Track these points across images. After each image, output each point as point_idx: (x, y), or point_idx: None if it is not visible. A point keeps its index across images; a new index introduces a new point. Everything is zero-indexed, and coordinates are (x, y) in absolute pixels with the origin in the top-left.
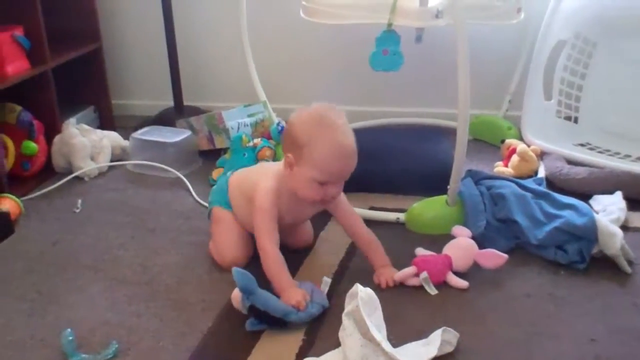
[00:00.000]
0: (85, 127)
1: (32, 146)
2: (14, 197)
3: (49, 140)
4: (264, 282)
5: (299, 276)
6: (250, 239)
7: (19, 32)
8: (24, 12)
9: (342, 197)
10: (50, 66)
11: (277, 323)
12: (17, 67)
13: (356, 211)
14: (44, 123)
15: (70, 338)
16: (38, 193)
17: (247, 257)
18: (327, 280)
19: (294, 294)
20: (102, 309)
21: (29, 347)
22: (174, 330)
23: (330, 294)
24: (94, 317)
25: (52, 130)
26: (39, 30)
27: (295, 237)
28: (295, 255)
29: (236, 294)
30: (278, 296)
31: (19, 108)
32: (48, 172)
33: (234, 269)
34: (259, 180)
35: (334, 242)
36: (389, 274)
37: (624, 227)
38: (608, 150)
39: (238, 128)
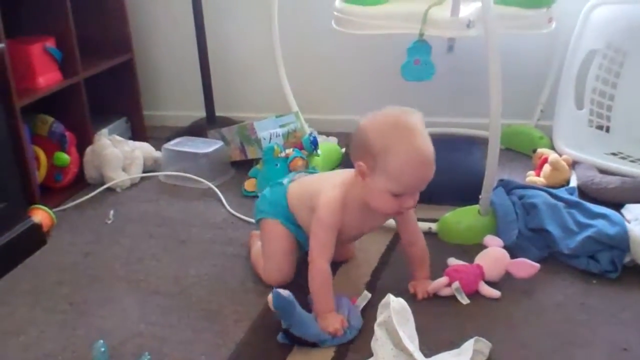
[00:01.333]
0: (118, 138)
1: (64, 157)
2: (46, 208)
3: (81, 152)
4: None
5: (333, 286)
6: (298, 252)
7: (50, 44)
8: (55, 24)
9: (414, 216)
10: (82, 77)
11: (309, 345)
12: (49, 78)
13: (388, 222)
14: (76, 134)
15: (103, 349)
16: (70, 204)
17: (293, 275)
18: (366, 295)
19: (332, 321)
20: (135, 320)
21: (61, 359)
22: (206, 341)
23: (363, 305)
24: (126, 328)
25: (84, 141)
26: (70, 42)
27: (339, 253)
28: (331, 264)
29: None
30: (312, 311)
31: (51, 119)
32: (80, 183)
33: (274, 291)
34: (323, 189)
35: (367, 251)
36: (425, 285)
37: None
38: None
39: (270, 138)
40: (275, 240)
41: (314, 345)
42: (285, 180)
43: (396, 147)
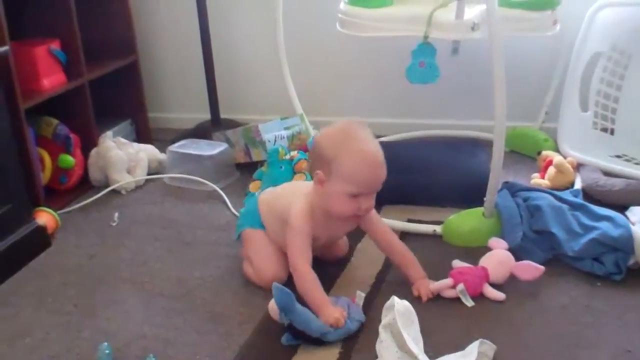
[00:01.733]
0: (122, 140)
1: (68, 160)
2: (50, 210)
3: (86, 154)
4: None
5: (336, 289)
6: (286, 256)
7: (55, 46)
8: (60, 26)
9: (374, 213)
10: (87, 79)
11: (314, 342)
12: (54, 80)
13: (393, 223)
14: (80, 136)
15: (107, 351)
16: (75, 206)
17: (286, 273)
18: (361, 295)
19: (332, 312)
20: (139, 323)
21: None
22: (211, 343)
23: (366, 307)
24: (130, 330)
25: (88, 143)
26: (75, 44)
27: (329, 251)
28: (332, 269)
29: (273, 305)
30: (315, 313)
31: (55, 122)
32: (85, 185)
33: (274, 285)
34: (291, 202)
35: (371, 254)
36: (426, 286)
37: None
38: None
39: (275, 141)
40: (258, 244)
41: (318, 342)
42: (257, 192)
43: (347, 150)
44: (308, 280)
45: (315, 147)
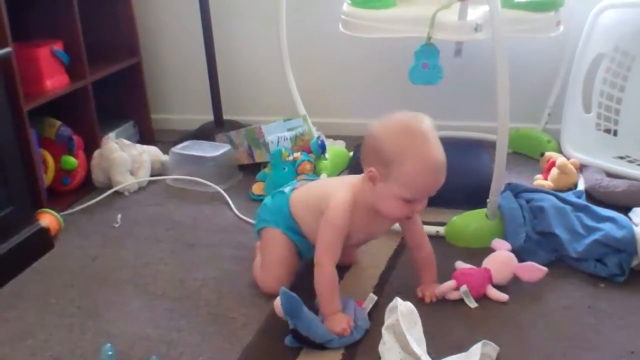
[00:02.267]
0: (125, 141)
1: (71, 161)
2: (53, 212)
3: (89, 155)
4: (307, 297)
5: (340, 290)
6: (295, 266)
7: (58, 47)
8: (63, 27)
9: (419, 219)
10: (90, 81)
11: (317, 347)
12: (57, 82)
13: (395, 225)
14: (83, 138)
15: (110, 353)
16: (78, 208)
17: (290, 281)
18: (372, 297)
19: (339, 322)
20: (142, 324)
21: None
22: (214, 345)
23: (370, 308)
24: (133, 332)
25: (91, 145)
26: (78, 45)
27: (343, 254)
28: (337, 269)
29: (279, 302)
30: (319, 314)
31: (58, 123)
32: (88, 187)
33: (282, 290)
34: (334, 192)
35: (375, 255)
36: (432, 289)
37: None
38: None
39: (278, 142)
40: (274, 247)
41: (321, 347)
42: (287, 189)
43: (410, 156)
44: (329, 281)
45: (371, 142)
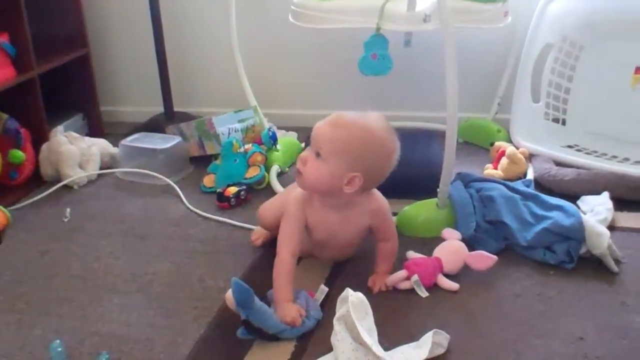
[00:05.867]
0: (74, 134)
1: (19, 155)
2: (1, 207)
3: (37, 149)
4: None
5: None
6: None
7: (4, 39)
8: (9, 19)
9: (390, 216)
10: (37, 73)
11: (269, 338)
12: (3, 74)
13: None
14: (31, 131)
15: (59, 349)
16: (26, 202)
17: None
18: (323, 289)
19: (289, 311)
20: (92, 319)
21: (17, 359)
22: (165, 338)
23: (323, 300)
24: (83, 327)
25: (39, 138)
26: (24, 37)
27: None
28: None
29: (230, 295)
30: (271, 305)
31: (5, 116)
32: (36, 181)
33: (234, 280)
34: (292, 190)
35: None
36: (383, 279)
37: (611, 227)
38: (595, 152)
39: (229, 134)
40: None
41: (274, 338)
42: None
43: (381, 157)
44: (284, 269)
45: (350, 149)
